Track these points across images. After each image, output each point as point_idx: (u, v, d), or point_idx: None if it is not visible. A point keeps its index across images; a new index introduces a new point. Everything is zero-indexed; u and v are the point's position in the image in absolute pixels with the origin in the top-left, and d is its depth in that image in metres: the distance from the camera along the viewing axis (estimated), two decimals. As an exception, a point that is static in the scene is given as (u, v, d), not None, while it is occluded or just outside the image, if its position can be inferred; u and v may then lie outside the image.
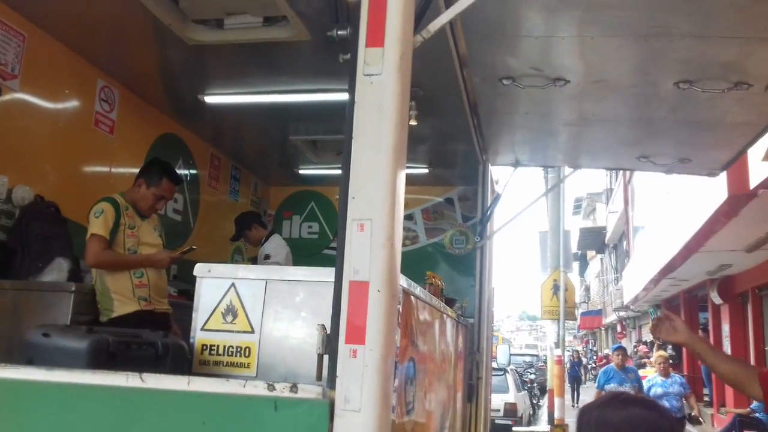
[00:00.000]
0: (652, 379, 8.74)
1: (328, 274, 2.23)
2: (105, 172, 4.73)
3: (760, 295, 11.93)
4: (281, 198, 6.43)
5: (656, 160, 4.73)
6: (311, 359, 2.08)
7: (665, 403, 8.10)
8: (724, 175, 6.03)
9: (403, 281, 2.72)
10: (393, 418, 2.59)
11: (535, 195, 6.28)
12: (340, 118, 2.12)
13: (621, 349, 9.06)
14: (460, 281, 5.82)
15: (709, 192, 7.28)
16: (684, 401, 8.72)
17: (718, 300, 13.47)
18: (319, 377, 2.01)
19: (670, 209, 11.00)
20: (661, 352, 9.53)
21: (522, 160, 5.29)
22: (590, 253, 36.62)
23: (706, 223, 7.78)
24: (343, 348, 1.93)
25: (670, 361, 9.43)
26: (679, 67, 3.22)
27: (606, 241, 29.57)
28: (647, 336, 22.35)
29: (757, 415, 10.56)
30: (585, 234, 31.92)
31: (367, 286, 1.92)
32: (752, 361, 12.18)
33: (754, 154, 5.51)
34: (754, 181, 5.87)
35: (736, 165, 5.24)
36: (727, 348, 13.13)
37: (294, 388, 2.04)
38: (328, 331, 1.99)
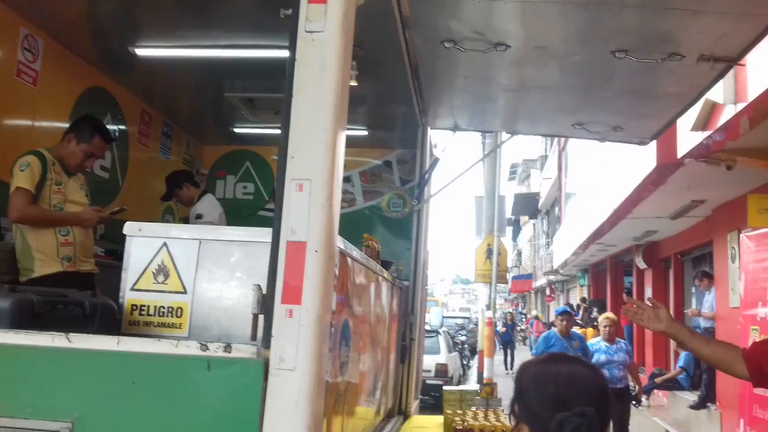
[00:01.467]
0: (595, 344, 7.90)
1: (264, 234, 2.20)
2: (27, 125, 4.50)
3: (681, 261, 12.51)
4: (215, 157, 6.27)
5: (591, 127, 4.83)
6: (246, 320, 2.06)
7: (606, 372, 7.50)
8: (654, 144, 6.24)
9: (340, 242, 2.70)
10: (327, 378, 2.60)
11: (473, 160, 6.28)
12: (278, 76, 2.06)
13: (566, 314, 7.90)
14: (396, 244, 5.85)
15: (638, 160, 7.52)
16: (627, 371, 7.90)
17: (642, 265, 14.05)
18: (253, 337, 1.99)
19: (601, 177, 11.34)
20: (609, 314, 8.41)
21: (461, 124, 5.31)
22: (523, 219, 37.52)
23: (635, 190, 8.05)
24: (278, 308, 1.91)
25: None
26: (617, 36, 3.26)
27: (539, 207, 30.32)
28: (574, 300, 23.20)
29: (680, 378, 11.14)
30: (519, 199, 32.64)
31: (304, 246, 1.90)
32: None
33: (683, 124, 5.70)
34: (681, 151, 6.09)
35: (665, 134, 5.42)
36: (648, 310, 13.76)
37: (228, 348, 2.01)
38: (264, 291, 1.97)
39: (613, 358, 7.63)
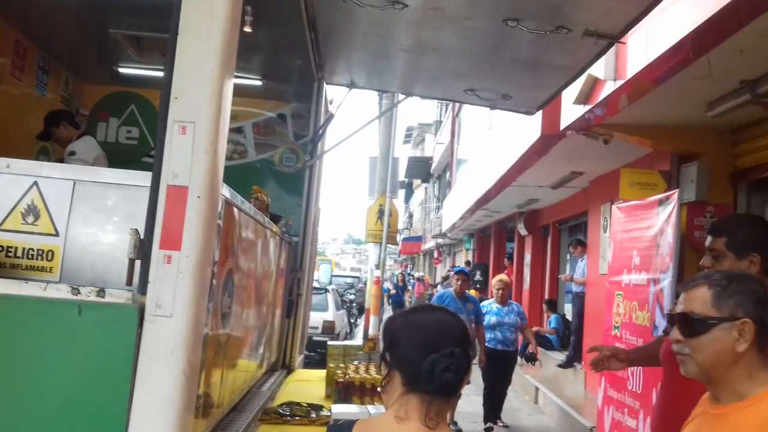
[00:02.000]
0: (487, 305, 7.97)
1: (144, 178, 2.12)
2: None
3: (559, 229, 13.21)
4: (97, 97, 5.90)
5: (482, 94, 4.95)
6: (123, 266, 1.99)
7: (498, 335, 7.72)
8: (539, 114, 6.50)
9: (226, 191, 2.66)
10: (207, 330, 2.58)
11: (369, 119, 6.24)
12: (168, 15, 1.97)
13: (462, 274, 7.81)
14: (287, 199, 5.80)
15: (525, 130, 7.82)
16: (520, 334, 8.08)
17: (524, 231, 14.73)
18: (129, 282, 1.94)
19: (491, 144, 11.70)
20: (501, 276, 8.41)
21: (358, 81, 5.30)
22: (416, 182, 38.20)
23: (521, 159, 8.38)
24: (156, 253, 1.87)
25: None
26: (510, 4, 3.34)
27: (431, 171, 30.94)
28: (460, 263, 24.00)
29: (549, 336, 11.84)
30: (413, 163, 33.14)
31: (186, 191, 1.86)
32: (546, 285, 13.60)
33: (566, 97, 5.96)
34: (564, 123, 6.38)
35: (550, 106, 5.65)
36: (527, 275, 14.53)
37: (101, 292, 1.95)
38: (142, 236, 1.92)
39: (505, 320, 7.74)
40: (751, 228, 2.55)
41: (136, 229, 1.92)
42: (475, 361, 7.72)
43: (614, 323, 6.47)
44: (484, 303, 8.08)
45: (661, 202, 5.98)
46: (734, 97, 4.87)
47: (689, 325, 1.70)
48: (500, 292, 7.92)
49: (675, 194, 5.80)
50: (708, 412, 1.76)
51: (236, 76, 5.88)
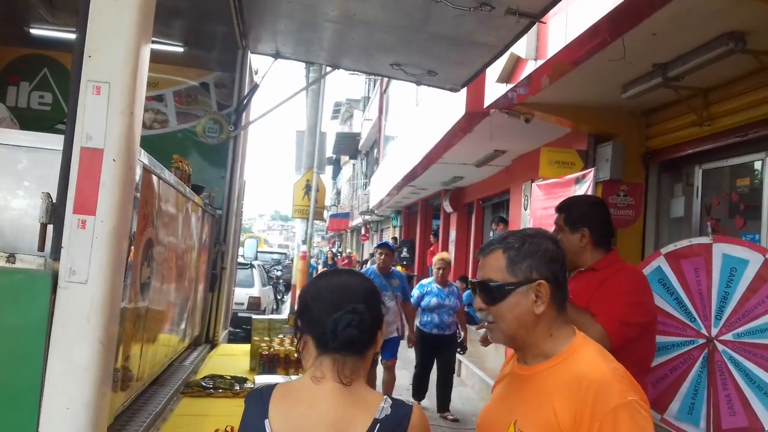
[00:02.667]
0: (427, 285, 7.39)
1: (57, 141, 2.04)
2: None
3: (483, 206, 13.51)
4: (6, 59, 5.57)
5: (408, 69, 4.98)
6: (34, 233, 1.93)
7: (436, 318, 7.24)
8: (464, 92, 6.61)
9: (144, 158, 2.59)
10: (125, 302, 2.53)
11: (296, 97, 6.05)
12: (82, -28, 1.89)
13: (385, 247, 7.24)
14: (210, 171, 5.68)
15: (450, 107, 7.92)
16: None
17: (449, 209, 14.99)
18: (41, 248, 1.87)
19: (418, 121, 11.80)
20: (443, 255, 7.80)
21: (284, 51, 5.23)
22: (344, 158, 38.08)
23: (446, 136, 8.50)
24: (70, 218, 1.81)
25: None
26: (435, -22, 3.38)
27: (359, 148, 30.90)
28: (387, 239, 24.20)
29: (467, 310, 12.11)
30: (341, 139, 32.99)
31: (101, 154, 1.81)
32: (470, 262, 13.91)
33: (490, 75, 6.08)
34: (488, 101, 6.51)
35: (475, 84, 5.74)
36: (452, 251, 14.81)
37: (11, 258, 1.88)
38: (54, 200, 1.86)
39: (445, 303, 7.22)
40: (584, 206, 2.96)
41: (48, 193, 1.85)
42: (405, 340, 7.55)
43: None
44: (424, 282, 7.57)
45: (577, 180, 6.22)
46: (647, 79, 5.09)
47: (488, 292, 1.69)
48: (441, 271, 7.29)
49: (591, 173, 6.04)
50: (516, 373, 1.78)
51: (157, 42, 5.72)
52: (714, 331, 3.22)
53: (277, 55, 5.29)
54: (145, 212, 2.72)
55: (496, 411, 1.80)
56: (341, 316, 1.51)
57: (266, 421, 1.51)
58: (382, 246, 7.29)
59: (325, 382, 1.52)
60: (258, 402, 1.56)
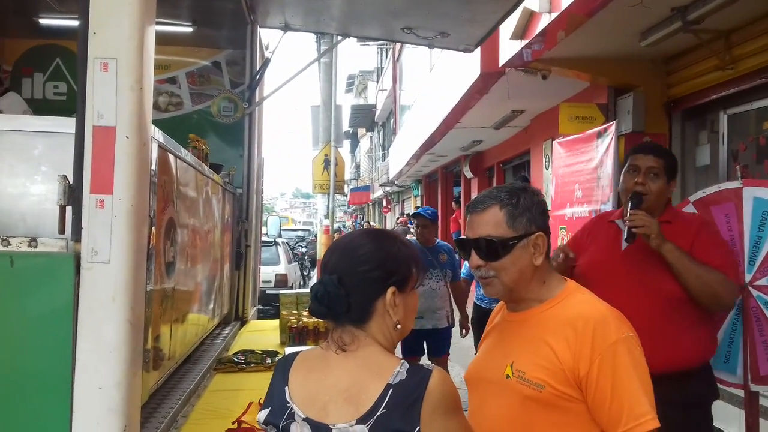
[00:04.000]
0: None
1: (71, 124, 2.03)
2: None
3: (503, 169, 13.36)
4: (19, 52, 5.59)
5: (419, 32, 4.90)
6: (55, 217, 1.92)
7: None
8: (478, 53, 6.48)
9: (159, 136, 2.58)
10: (151, 282, 2.53)
11: (309, 69, 5.92)
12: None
13: (420, 218, 5.71)
14: (228, 151, 5.69)
15: (465, 69, 7.80)
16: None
17: (469, 174, 14.86)
18: (62, 230, 1.87)
19: (433, 86, 11.66)
20: None
21: (293, 23, 5.17)
22: (361, 131, 37.96)
23: (462, 99, 8.38)
24: (88, 198, 1.81)
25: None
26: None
27: (375, 119, 30.75)
28: (409, 209, 24.18)
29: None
30: (356, 111, 32.84)
31: (113, 131, 1.79)
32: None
33: (504, 33, 5.95)
34: (503, 59, 6.38)
35: (488, 43, 5.63)
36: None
37: (33, 242, 1.89)
38: (71, 182, 1.85)
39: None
40: (673, 156, 2.89)
41: (65, 175, 1.84)
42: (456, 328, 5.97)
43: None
44: None
45: (599, 135, 6.09)
46: (666, 25, 4.94)
47: (490, 248, 1.72)
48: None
49: (612, 126, 5.91)
50: (507, 320, 1.83)
51: (165, 23, 5.69)
52: (747, 278, 3.15)
53: (286, 28, 5.24)
54: (164, 192, 2.71)
55: (487, 359, 1.82)
56: (314, 285, 1.49)
57: (286, 389, 1.51)
58: (417, 216, 5.76)
59: (330, 348, 1.50)
60: (282, 370, 1.55)
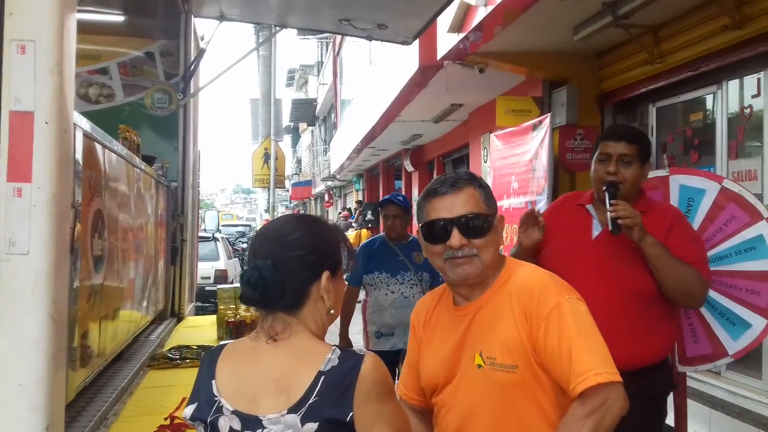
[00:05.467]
0: None
1: (-13, 110, 1.93)
2: None
3: (444, 163, 13.50)
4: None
5: (357, 24, 4.87)
6: (-29, 209, 1.83)
7: None
8: (417, 46, 6.51)
9: (85, 125, 2.49)
10: (77, 278, 2.44)
11: (247, 60, 5.81)
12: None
13: (390, 205, 4.46)
14: (162, 144, 5.55)
15: (404, 62, 7.82)
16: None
17: (410, 168, 14.96)
18: (-24, 221, 1.78)
19: (373, 80, 11.67)
20: None
21: (229, 13, 5.07)
22: (302, 126, 37.67)
23: (401, 92, 8.41)
24: (5, 186, 1.72)
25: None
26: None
27: (317, 114, 30.57)
28: (351, 204, 24.16)
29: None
30: (297, 106, 32.56)
31: (31, 116, 1.71)
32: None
33: (442, 26, 5.99)
34: (441, 52, 6.42)
35: (427, 36, 5.66)
36: (416, 208, 14.82)
37: (-56, 234, 1.78)
38: (-15, 169, 1.76)
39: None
40: (646, 138, 2.74)
41: (-21, 163, 1.75)
42: None
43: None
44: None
45: (534, 127, 6.22)
46: (597, 20, 5.07)
47: (475, 226, 1.72)
48: None
49: (547, 118, 6.04)
50: (458, 314, 1.80)
51: (94, 11, 5.48)
52: (674, 263, 3.26)
53: (222, 18, 5.13)
54: (90, 182, 2.62)
55: (448, 356, 1.78)
56: (244, 272, 1.44)
57: (213, 382, 1.46)
58: (386, 204, 4.45)
59: (259, 338, 1.46)
60: (208, 363, 1.50)
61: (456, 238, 1.72)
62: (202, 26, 5.88)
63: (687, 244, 2.56)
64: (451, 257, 1.74)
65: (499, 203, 6.53)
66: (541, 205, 5.97)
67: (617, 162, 2.57)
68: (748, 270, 2.83)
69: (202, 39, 5.84)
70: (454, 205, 1.74)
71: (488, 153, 8.18)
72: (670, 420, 3.12)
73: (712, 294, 3.15)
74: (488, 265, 1.75)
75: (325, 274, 1.47)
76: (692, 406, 3.69)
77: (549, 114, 6.01)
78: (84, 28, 4.02)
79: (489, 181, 7.60)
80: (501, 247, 1.81)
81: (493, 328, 1.71)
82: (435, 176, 13.78)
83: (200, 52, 5.42)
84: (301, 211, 45.71)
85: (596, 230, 2.61)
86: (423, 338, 1.90)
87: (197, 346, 3.96)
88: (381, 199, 5.94)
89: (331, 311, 1.49)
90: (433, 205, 1.77)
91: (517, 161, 6.48)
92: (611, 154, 2.59)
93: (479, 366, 1.70)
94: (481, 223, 1.73)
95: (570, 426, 1.59)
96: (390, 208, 4.43)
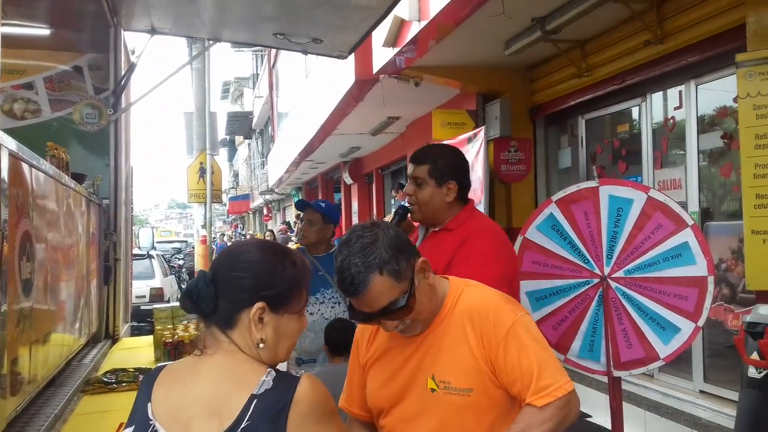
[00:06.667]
0: None
1: None
2: None
3: (382, 175, 13.57)
4: None
5: (293, 38, 4.87)
6: None
7: None
8: (353, 60, 6.54)
9: (11, 144, 2.40)
10: (4, 303, 2.34)
11: (181, 75, 5.67)
12: None
13: (305, 208, 3.89)
14: (93, 160, 5.39)
15: (340, 76, 7.85)
16: None
17: (349, 180, 14.97)
18: None
19: (310, 93, 11.65)
20: None
21: (160, 27, 4.98)
22: (238, 139, 37.22)
23: (339, 106, 8.42)
24: (-76, 211, 1.64)
25: None
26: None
27: (253, 126, 30.24)
28: (290, 217, 23.98)
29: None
30: (233, 119, 32.14)
31: (-49, 138, 1.64)
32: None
33: (378, 39, 6.05)
34: (376, 66, 6.48)
35: (363, 50, 5.70)
36: (355, 221, 14.84)
37: None
38: None
39: None
40: (450, 156, 2.59)
41: None
42: None
43: (436, 258, 6.82)
44: None
45: (470, 140, 6.34)
46: (527, 34, 5.22)
47: (396, 309, 1.67)
48: None
49: (481, 131, 6.17)
50: (406, 341, 1.78)
51: (19, 25, 5.29)
52: (606, 270, 3.37)
53: (153, 32, 5.04)
54: (17, 203, 2.52)
55: (396, 379, 1.77)
56: (188, 283, 1.45)
57: (149, 405, 1.42)
58: (304, 207, 3.90)
59: (202, 358, 1.43)
60: (146, 385, 1.47)
61: (386, 324, 1.71)
62: (133, 40, 5.76)
63: (469, 259, 2.44)
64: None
65: (437, 215, 6.44)
66: (479, 216, 6.06)
67: (412, 184, 2.53)
68: (676, 276, 2.95)
69: (133, 53, 5.71)
70: (368, 303, 1.65)
71: (426, 165, 8.25)
72: (606, 422, 3.21)
73: (644, 300, 3.27)
74: (430, 312, 1.74)
75: (259, 304, 1.41)
76: (627, 408, 3.80)
77: (483, 127, 6.14)
78: (8, 41, 3.88)
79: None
80: (430, 281, 1.75)
81: (446, 352, 1.71)
82: (374, 189, 13.89)
83: (131, 66, 5.30)
84: (239, 226, 45.12)
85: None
86: (368, 358, 1.87)
87: (134, 368, 3.85)
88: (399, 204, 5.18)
89: (261, 345, 1.42)
90: (351, 299, 1.71)
91: (454, 173, 6.58)
92: (409, 177, 2.57)
93: (433, 390, 1.70)
94: (402, 305, 1.66)
95: (530, 421, 1.61)
96: (307, 212, 3.88)
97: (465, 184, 2.58)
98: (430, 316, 1.75)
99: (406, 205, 2.55)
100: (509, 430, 1.63)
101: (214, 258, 1.51)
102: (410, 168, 2.56)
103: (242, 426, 1.34)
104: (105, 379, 3.68)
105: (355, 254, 1.63)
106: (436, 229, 2.58)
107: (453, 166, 2.55)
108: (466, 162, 2.71)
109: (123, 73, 5.25)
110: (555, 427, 1.61)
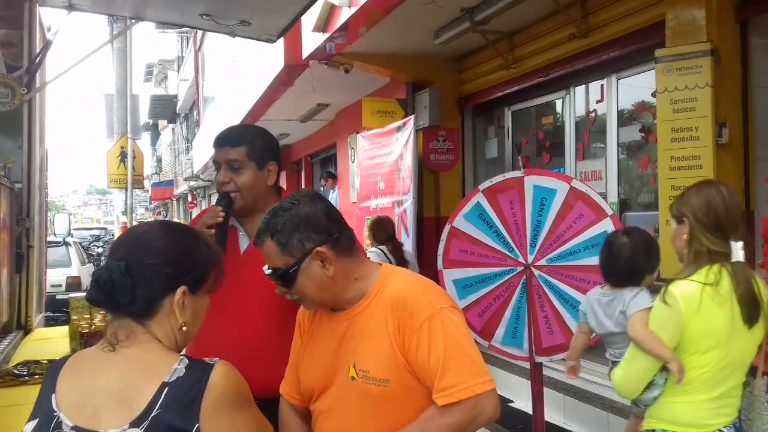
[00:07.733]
0: None
1: None
2: None
3: (311, 162, 13.48)
4: None
5: (219, 20, 4.72)
6: None
7: None
8: (282, 44, 6.44)
9: None
10: None
11: (102, 55, 5.42)
12: None
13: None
14: (5, 142, 5.11)
15: (269, 61, 7.71)
16: None
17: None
18: None
19: (237, 77, 11.40)
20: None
21: (78, 4, 4.72)
22: (162, 123, 36.13)
23: (267, 91, 8.27)
24: None
25: None
26: None
27: (177, 111, 29.40)
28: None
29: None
30: (156, 102, 31.16)
31: None
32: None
33: (307, 25, 5.97)
34: (306, 51, 6.39)
35: (292, 34, 5.61)
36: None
37: None
38: None
39: None
40: (265, 135, 2.39)
41: None
42: None
43: (365, 247, 6.84)
44: None
45: (399, 129, 6.36)
46: (456, 24, 5.27)
47: (281, 279, 1.72)
48: None
49: (411, 120, 6.20)
50: (335, 321, 1.76)
51: None
52: (530, 259, 3.46)
53: (70, 8, 4.78)
54: None
55: (324, 364, 1.76)
56: (95, 271, 1.38)
57: (53, 396, 1.37)
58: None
59: (109, 348, 1.39)
60: (50, 376, 1.41)
61: (277, 288, 1.74)
62: (49, 16, 5.48)
63: None
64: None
65: (366, 203, 6.61)
66: (408, 205, 6.11)
67: (226, 169, 2.28)
68: (596, 264, 3.05)
69: (49, 30, 5.43)
70: (265, 258, 1.71)
71: (355, 153, 8.25)
72: (528, 407, 3.30)
73: (565, 288, 3.37)
74: (320, 301, 1.73)
75: (181, 289, 1.40)
76: (548, 393, 3.92)
77: (413, 116, 6.17)
78: None
79: (357, 182, 7.66)
80: (329, 274, 1.69)
81: (367, 340, 1.69)
82: (303, 176, 13.76)
83: (46, 44, 5.03)
84: (162, 213, 43.90)
85: (244, 244, 2.32)
86: (305, 338, 1.86)
87: (47, 360, 3.68)
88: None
89: (184, 328, 1.41)
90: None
91: (383, 162, 6.60)
92: (219, 162, 2.31)
93: (353, 378, 1.68)
94: (282, 277, 1.68)
95: (428, 422, 1.60)
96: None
97: (281, 166, 2.40)
98: (325, 301, 1.73)
99: (231, 193, 2.28)
100: (409, 427, 1.62)
101: (112, 245, 1.43)
102: (220, 152, 2.29)
103: (152, 415, 1.31)
104: (16, 372, 3.50)
105: (271, 212, 1.71)
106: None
107: (272, 146, 2.36)
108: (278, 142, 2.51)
109: (38, 51, 4.99)
110: (457, 430, 1.59)
